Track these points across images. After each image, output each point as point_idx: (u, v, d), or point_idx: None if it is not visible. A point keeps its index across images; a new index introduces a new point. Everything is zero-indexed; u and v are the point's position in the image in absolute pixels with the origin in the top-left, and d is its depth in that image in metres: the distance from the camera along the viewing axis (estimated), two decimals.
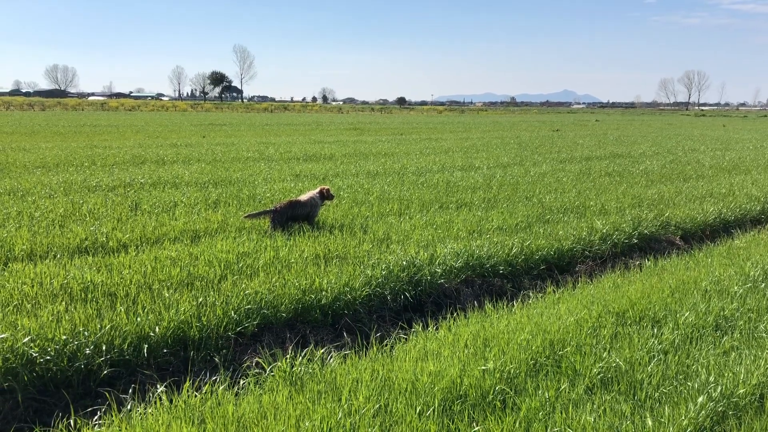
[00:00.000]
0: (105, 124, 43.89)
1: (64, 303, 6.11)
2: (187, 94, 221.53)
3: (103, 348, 5.31)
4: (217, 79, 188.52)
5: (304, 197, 10.15)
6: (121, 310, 5.94)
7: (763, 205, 13.65)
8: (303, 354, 5.44)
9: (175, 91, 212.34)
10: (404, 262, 7.80)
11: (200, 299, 6.34)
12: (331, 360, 5.52)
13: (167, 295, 6.46)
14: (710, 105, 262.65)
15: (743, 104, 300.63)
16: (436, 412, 4.39)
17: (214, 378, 5.14)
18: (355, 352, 5.74)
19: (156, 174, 15.39)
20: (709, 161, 22.90)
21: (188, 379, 5.12)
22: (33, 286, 6.53)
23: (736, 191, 15.11)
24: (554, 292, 7.67)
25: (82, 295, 6.39)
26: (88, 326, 5.54)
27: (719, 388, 4.56)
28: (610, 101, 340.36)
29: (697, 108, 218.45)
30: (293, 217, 9.85)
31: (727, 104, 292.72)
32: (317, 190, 10.45)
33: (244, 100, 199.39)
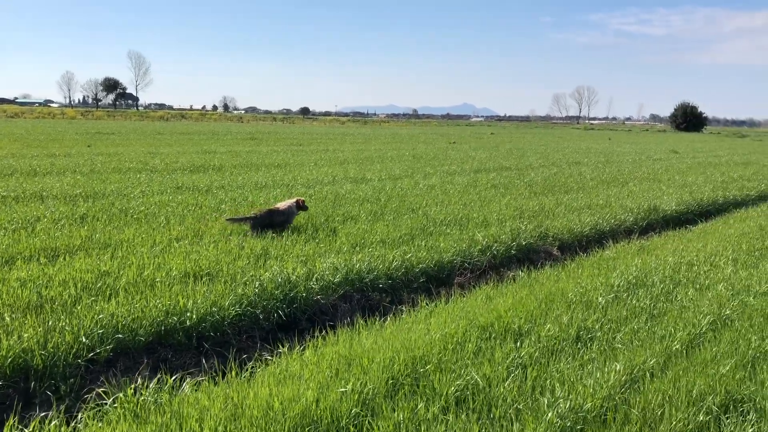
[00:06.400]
0: None
1: None
2: (79, 101, 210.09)
3: None
4: (110, 85, 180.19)
5: (282, 206, 10.82)
6: None
7: (636, 215, 14.29)
8: (154, 381, 5.10)
9: (65, 97, 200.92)
10: (280, 279, 7.56)
11: (49, 323, 5.85)
12: (185, 387, 5.20)
13: (9, 320, 5.92)
14: (599, 119, 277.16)
15: (629, 119, 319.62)
16: None
17: (44, 414, 4.69)
18: (211, 377, 5.43)
19: (22, 186, 14.28)
20: (590, 173, 23.92)
21: (13, 415, 4.65)
22: None
23: (613, 203, 15.77)
24: (427, 305, 7.60)
25: None
26: None
27: (568, 403, 4.58)
28: (507, 114, 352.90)
29: (587, 122, 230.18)
30: (271, 224, 10.41)
31: (614, 118, 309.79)
32: (294, 200, 11.13)
33: (140, 108, 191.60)
